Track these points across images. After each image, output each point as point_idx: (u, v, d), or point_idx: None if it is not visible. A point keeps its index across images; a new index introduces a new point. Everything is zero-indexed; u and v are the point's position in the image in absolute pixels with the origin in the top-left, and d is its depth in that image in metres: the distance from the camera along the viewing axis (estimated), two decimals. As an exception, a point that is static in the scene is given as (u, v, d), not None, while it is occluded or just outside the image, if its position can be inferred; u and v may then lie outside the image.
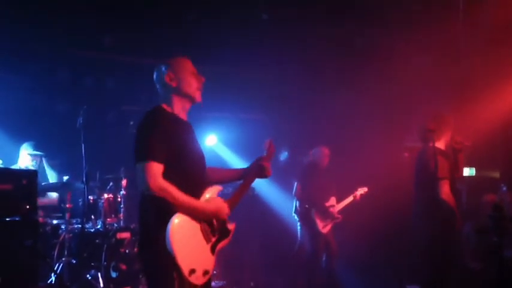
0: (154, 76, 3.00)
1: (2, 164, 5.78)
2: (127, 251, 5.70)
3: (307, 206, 6.39)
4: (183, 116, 2.95)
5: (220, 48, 6.62)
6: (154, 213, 2.69)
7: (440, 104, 6.14)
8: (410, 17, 6.02)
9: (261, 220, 7.80)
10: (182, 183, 2.69)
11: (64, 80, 7.00)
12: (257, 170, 3.17)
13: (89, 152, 5.60)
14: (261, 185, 7.81)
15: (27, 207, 4.51)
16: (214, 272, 6.16)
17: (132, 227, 5.92)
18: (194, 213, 2.71)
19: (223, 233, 2.92)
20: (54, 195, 6.21)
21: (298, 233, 6.71)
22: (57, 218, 5.98)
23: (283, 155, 8.34)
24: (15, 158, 6.13)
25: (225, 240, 2.94)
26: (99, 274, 5.50)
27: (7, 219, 4.46)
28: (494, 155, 6.73)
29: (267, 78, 7.73)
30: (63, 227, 5.79)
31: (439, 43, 6.37)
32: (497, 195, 5.67)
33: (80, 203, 5.87)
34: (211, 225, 2.85)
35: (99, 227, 6.00)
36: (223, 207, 2.86)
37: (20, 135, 6.37)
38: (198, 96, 2.97)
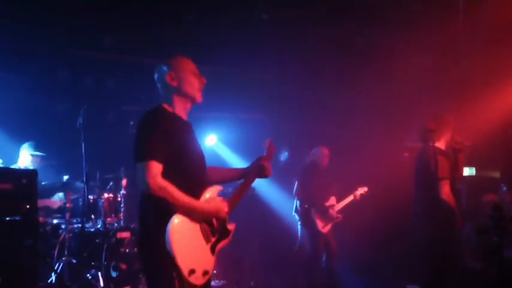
0: (156, 76, 3.00)
1: (2, 164, 5.78)
2: (127, 250, 5.70)
3: (306, 206, 6.39)
4: (183, 116, 2.95)
5: (220, 48, 6.62)
6: (154, 213, 2.69)
7: (440, 104, 6.15)
8: (410, 17, 6.03)
9: (260, 220, 7.80)
10: (182, 183, 2.69)
11: (64, 80, 7.00)
12: (257, 169, 3.17)
13: (89, 152, 5.60)
14: (261, 185, 7.81)
15: (27, 206, 4.51)
16: (215, 271, 6.17)
17: (132, 226, 5.92)
18: (193, 213, 2.71)
19: (223, 233, 2.92)
20: (59, 195, 6.21)
21: (299, 232, 6.71)
22: (57, 218, 5.98)
23: (283, 155, 8.34)
24: (15, 158, 6.13)
25: (225, 241, 2.93)
26: (100, 274, 5.50)
27: (7, 218, 4.45)
28: (494, 155, 6.73)
29: (267, 78, 7.73)
30: (63, 226, 5.79)
31: (439, 43, 6.38)
32: (497, 195, 5.67)
33: (80, 203, 5.87)
34: (211, 225, 2.85)
35: (99, 226, 6.00)
36: (223, 207, 2.86)
37: (20, 135, 6.37)
38: (198, 96, 2.97)
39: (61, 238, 5.67)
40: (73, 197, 5.96)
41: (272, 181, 7.92)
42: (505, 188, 5.63)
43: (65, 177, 6.03)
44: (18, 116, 6.71)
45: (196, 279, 2.68)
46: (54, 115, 7.05)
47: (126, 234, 5.80)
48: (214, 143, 8.42)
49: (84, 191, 5.59)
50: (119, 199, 6.16)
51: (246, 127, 8.15)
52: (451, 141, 4.53)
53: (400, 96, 6.91)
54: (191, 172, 2.81)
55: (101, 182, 6.25)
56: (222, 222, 2.91)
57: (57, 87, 7.04)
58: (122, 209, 6.13)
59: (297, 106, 8.13)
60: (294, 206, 6.62)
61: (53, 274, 5.35)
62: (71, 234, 5.71)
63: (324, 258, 6.43)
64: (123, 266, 5.60)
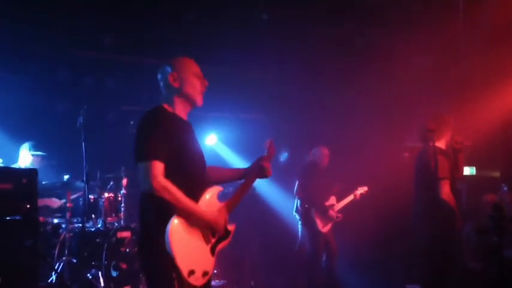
0: (159, 75, 2.99)
1: (2, 164, 5.78)
2: (127, 250, 5.70)
3: (306, 205, 6.40)
4: (183, 116, 2.94)
5: (220, 48, 6.62)
6: (154, 213, 2.68)
7: (440, 104, 6.15)
8: (410, 17, 6.04)
9: (261, 220, 7.80)
10: (182, 183, 2.68)
11: (64, 80, 7.00)
12: (258, 170, 3.16)
13: (89, 152, 5.60)
14: (261, 185, 7.82)
15: (28, 206, 4.50)
16: (215, 271, 6.17)
17: (132, 226, 5.92)
18: (192, 218, 2.69)
19: (223, 234, 2.92)
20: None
21: (299, 232, 6.72)
22: (57, 217, 5.98)
23: (283, 155, 8.34)
24: (15, 158, 6.14)
25: (225, 242, 2.92)
26: (100, 273, 5.50)
27: (7, 218, 4.45)
28: (494, 155, 6.74)
29: (267, 78, 7.74)
30: (63, 226, 5.79)
31: (439, 43, 6.38)
32: (498, 195, 5.68)
33: (81, 202, 5.88)
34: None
35: (99, 226, 6.01)
36: (221, 221, 2.83)
37: (20, 135, 6.37)
38: (199, 99, 2.96)
39: (61, 238, 5.67)
40: (73, 196, 5.96)
41: (272, 181, 7.92)
42: (505, 188, 5.63)
43: (66, 177, 6.03)
44: (18, 116, 6.71)
45: (196, 280, 2.67)
46: (54, 115, 7.05)
47: (126, 234, 5.80)
48: (214, 142, 8.42)
49: (85, 191, 5.59)
50: (120, 199, 6.16)
51: (246, 127, 8.15)
52: (451, 141, 4.54)
53: (400, 96, 6.91)
54: (191, 172, 2.81)
55: (101, 182, 6.25)
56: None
57: (57, 87, 7.03)
58: (123, 209, 6.13)
59: (297, 106, 8.14)
60: (295, 206, 6.62)
61: (53, 274, 5.35)
62: (71, 234, 5.71)
63: (324, 258, 6.43)
64: (124, 266, 5.61)
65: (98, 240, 5.81)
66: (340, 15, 6.28)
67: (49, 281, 5.36)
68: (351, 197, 6.65)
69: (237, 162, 8.38)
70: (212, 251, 2.83)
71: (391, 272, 6.72)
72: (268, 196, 8.16)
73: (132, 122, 6.19)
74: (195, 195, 2.76)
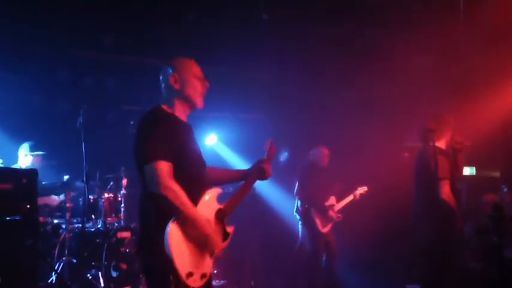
0: (160, 76, 2.98)
1: (2, 164, 5.78)
2: (127, 250, 5.71)
3: (306, 206, 6.40)
4: (183, 118, 2.93)
5: (220, 48, 6.62)
6: (154, 214, 2.68)
7: (440, 104, 6.15)
8: (410, 17, 6.03)
9: (261, 220, 7.80)
10: (182, 184, 2.67)
11: (64, 80, 7.00)
12: (258, 172, 3.16)
13: (89, 152, 5.60)
14: (261, 185, 7.81)
15: (28, 206, 4.51)
16: (215, 271, 6.17)
17: (132, 226, 5.92)
18: (192, 225, 2.67)
19: (221, 236, 2.91)
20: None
21: (300, 232, 6.71)
22: (57, 218, 5.98)
23: (283, 156, 8.34)
24: (15, 158, 6.14)
25: (224, 244, 2.91)
26: (100, 273, 5.50)
27: (7, 218, 4.45)
28: (494, 155, 6.74)
29: (267, 78, 7.74)
30: (63, 226, 5.79)
31: (439, 43, 6.38)
32: (498, 195, 5.68)
33: (81, 203, 5.88)
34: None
35: (99, 226, 6.01)
36: (217, 240, 2.80)
37: (20, 135, 6.37)
38: (199, 101, 2.95)
39: (61, 238, 5.67)
40: (72, 194, 5.95)
41: (272, 181, 7.92)
42: (505, 189, 5.63)
43: (65, 177, 6.03)
44: (19, 116, 6.71)
45: (194, 282, 2.66)
46: (54, 115, 7.05)
47: (126, 234, 5.80)
48: (214, 142, 8.42)
49: (85, 191, 5.59)
50: (119, 199, 6.17)
51: (246, 127, 8.15)
52: (451, 141, 4.54)
53: (400, 96, 6.91)
54: (191, 172, 2.80)
55: (101, 182, 6.25)
56: (221, 225, 2.89)
57: (57, 87, 7.04)
58: (122, 209, 6.14)
59: (297, 106, 8.14)
60: (295, 206, 6.62)
61: (53, 274, 5.36)
62: (71, 234, 5.72)
63: (324, 258, 6.43)
64: (124, 266, 5.61)
65: (97, 240, 5.81)
66: (340, 15, 6.28)
67: (49, 281, 5.36)
68: (350, 197, 6.65)
69: (237, 162, 8.38)
70: (211, 253, 2.82)
71: (391, 272, 6.72)
72: (268, 196, 8.16)
73: (132, 122, 6.19)
74: (195, 196, 2.75)
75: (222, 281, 6.50)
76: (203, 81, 2.97)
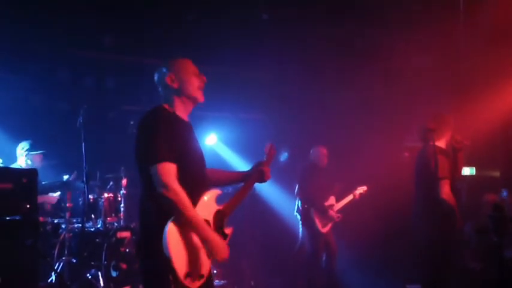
0: (155, 78, 2.99)
1: (2, 164, 5.78)
2: (127, 250, 5.70)
3: (306, 206, 6.40)
4: (184, 116, 2.94)
5: (220, 48, 6.62)
6: (154, 214, 2.67)
7: (440, 104, 6.15)
8: (410, 17, 6.04)
9: (261, 220, 7.80)
10: (183, 183, 2.67)
11: (64, 80, 7.01)
12: (257, 174, 3.17)
13: (89, 152, 5.60)
14: (261, 185, 7.78)
15: (28, 206, 4.50)
16: (215, 271, 6.17)
17: (132, 226, 5.92)
18: (192, 227, 2.66)
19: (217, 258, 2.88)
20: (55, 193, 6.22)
21: (300, 232, 6.71)
22: (57, 217, 5.98)
23: (283, 156, 8.34)
24: (15, 158, 6.14)
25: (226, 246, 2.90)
26: (100, 273, 5.50)
27: (7, 218, 4.45)
28: (494, 155, 6.74)
29: (267, 78, 7.74)
30: (63, 226, 5.78)
31: (439, 43, 6.38)
32: (498, 197, 5.68)
33: (80, 202, 5.87)
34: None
35: (99, 226, 6.00)
36: (223, 248, 2.77)
37: (20, 135, 6.37)
38: (200, 96, 2.96)
39: (61, 238, 5.67)
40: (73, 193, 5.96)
41: (272, 181, 7.91)
42: (505, 193, 5.63)
43: (65, 177, 6.03)
44: (19, 115, 6.71)
45: (193, 282, 2.66)
46: (54, 115, 7.05)
47: (126, 234, 5.80)
48: (214, 142, 8.42)
49: (85, 191, 5.59)
50: (119, 199, 6.16)
51: (246, 127, 8.15)
52: (451, 141, 4.53)
53: (400, 96, 6.91)
54: (191, 171, 2.80)
55: (101, 182, 6.25)
56: (220, 226, 2.88)
57: (57, 87, 7.04)
58: (122, 209, 6.13)
59: (297, 106, 8.14)
60: (296, 206, 6.62)
61: (53, 274, 5.35)
62: (71, 234, 5.71)
63: (324, 258, 6.43)
64: (123, 266, 5.61)
65: (97, 240, 5.80)
66: (340, 15, 6.29)
67: (49, 281, 5.36)
68: (350, 197, 6.65)
69: (237, 162, 8.38)
70: (209, 254, 2.81)
71: (391, 272, 6.72)
72: (268, 196, 8.16)
73: (132, 122, 6.19)
74: (195, 196, 2.75)
75: (222, 281, 6.50)
76: (199, 75, 2.97)
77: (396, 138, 7.06)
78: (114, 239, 5.71)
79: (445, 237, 4.32)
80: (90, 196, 5.95)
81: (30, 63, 6.71)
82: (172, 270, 2.58)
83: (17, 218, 4.48)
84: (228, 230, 2.94)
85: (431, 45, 6.50)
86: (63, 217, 5.83)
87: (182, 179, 2.69)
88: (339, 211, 6.51)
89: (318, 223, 6.34)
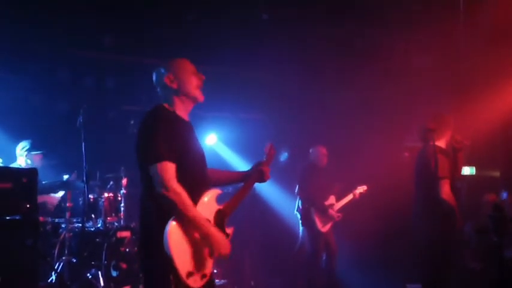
0: (154, 79, 2.99)
1: (1, 163, 5.78)
2: (127, 249, 5.70)
3: (306, 205, 6.40)
4: (184, 116, 2.94)
5: (220, 48, 6.62)
6: (155, 214, 2.68)
7: (440, 104, 6.15)
8: (410, 17, 6.04)
9: (261, 220, 7.80)
10: (183, 182, 2.67)
11: (64, 80, 7.00)
12: (256, 174, 3.18)
13: (89, 151, 5.60)
14: (261, 185, 7.79)
15: (28, 206, 4.50)
16: (215, 271, 6.17)
17: (132, 225, 5.92)
18: (194, 226, 2.66)
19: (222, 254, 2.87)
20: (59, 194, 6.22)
21: (300, 232, 6.71)
22: (57, 217, 5.98)
23: (283, 156, 8.35)
24: (14, 158, 6.14)
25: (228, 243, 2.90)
26: (100, 273, 5.50)
27: (7, 218, 4.45)
28: (494, 155, 6.74)
29: (267, 78, 7.74)
30: (63, 226, 5.78)
31: (439, 43, 6.39)
32: (498, 198, 5.69)
33: (81, 202, 5.87)
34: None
35: (99, 226, 6.00)
36: (226, 245, 2.78)
37: (20, 135, 6.37)
38: (199, 95, 2.97)
39: (61, 237, 5.66)
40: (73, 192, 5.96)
41: (273, 181, 7.92)
42: (505, 195, 5.64)
43: (65, 177, 6.02)
44: (18, 115, 6.71)
45: (194, 282, 2.66)
46: (54, 115, 7.05)
47: (126, 234, 5.79)
48: (214, 142, 8.42)
49: (85, 191, 5.59)
50: (119, 198, 6.16)
51: (246, 127, 8.15)
52: (451, 140, 4.53)
53: (400, 96, 6.91)
54: (192, 171, 2.80)
55: (101, 182, 6.25)
56: (221, 225, 2.88)
57: (57, 87, 7.04)
58: (122, 209, 6.13)
59: (297, 106, 8.14)
60: (296, 206, 6.63)
61: (53, 273, 5.35)
62: (71, 234, 5.71)
63: (324, 258, 6.43)
64: (124, 266, 5.60)
65: (97, 240, 5.80)
66: (340, 15, 6.29)
67: (49, 280, 5.36)
68: (350, 197, 6.65)
69: (237, 162, 8.38)
70: (211, 253, 2.81)
71: (391, 272, 6.72)
72: (268, 196, 8.16)
73: (132, 122, 6.19)
74: (195, 196, 2.75)
75: (223, 281, 6.50)
76: (198, 74, 2.98)
77: (396, 138, 7.07)
78: (114, 238, 5.71)
79: (445, 237, 4.32)
80: (90, 196, 5.95)
81: (30, 63, 6.71)
82: (173, 270, 2.58)
83: (17, 217, 4.48)
84: (229, 230, 2.94)
85: (431, 45, 6.50)
86: (63, 217, 5.83)
87: (182, 178, 2.69)
88: (339, 210, 6.51)
89: (318, 222, 6.34)
